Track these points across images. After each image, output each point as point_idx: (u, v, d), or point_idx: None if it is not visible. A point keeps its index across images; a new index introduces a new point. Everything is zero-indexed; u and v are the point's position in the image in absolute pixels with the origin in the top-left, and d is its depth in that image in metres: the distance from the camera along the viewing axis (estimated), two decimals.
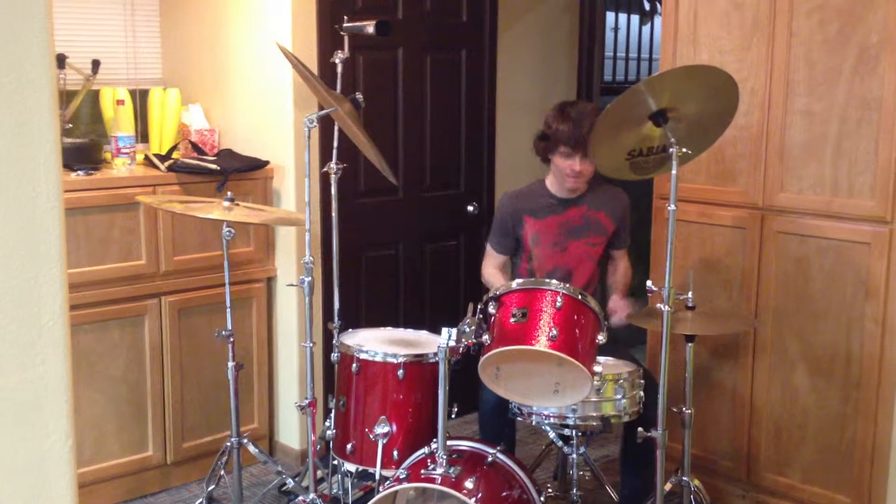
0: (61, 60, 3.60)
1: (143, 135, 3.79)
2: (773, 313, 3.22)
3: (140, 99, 3.83)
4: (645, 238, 3.57)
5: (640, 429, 2.72)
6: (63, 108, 3.56)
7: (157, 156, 3.58)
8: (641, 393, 2.85)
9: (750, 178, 3.24)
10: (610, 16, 5.92)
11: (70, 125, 3.63)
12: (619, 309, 3.15)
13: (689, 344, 2.88)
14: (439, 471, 2.56)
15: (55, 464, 1.29)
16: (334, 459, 3.04)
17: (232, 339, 3.15)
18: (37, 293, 1.26)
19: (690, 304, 2.88)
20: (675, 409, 2.83)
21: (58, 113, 1.29)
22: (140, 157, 3.61)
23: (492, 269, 3.33)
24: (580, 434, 2.83)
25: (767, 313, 3.23)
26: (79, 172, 3.30)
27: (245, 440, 3.23)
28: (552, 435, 2.99)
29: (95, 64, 3.73)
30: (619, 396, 2.78)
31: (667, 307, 2.59)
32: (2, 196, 1.22)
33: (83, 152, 3.40)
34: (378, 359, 2.89)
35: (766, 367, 3.26)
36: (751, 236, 3.25)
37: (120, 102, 3.61)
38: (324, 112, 2.93)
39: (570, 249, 3.24)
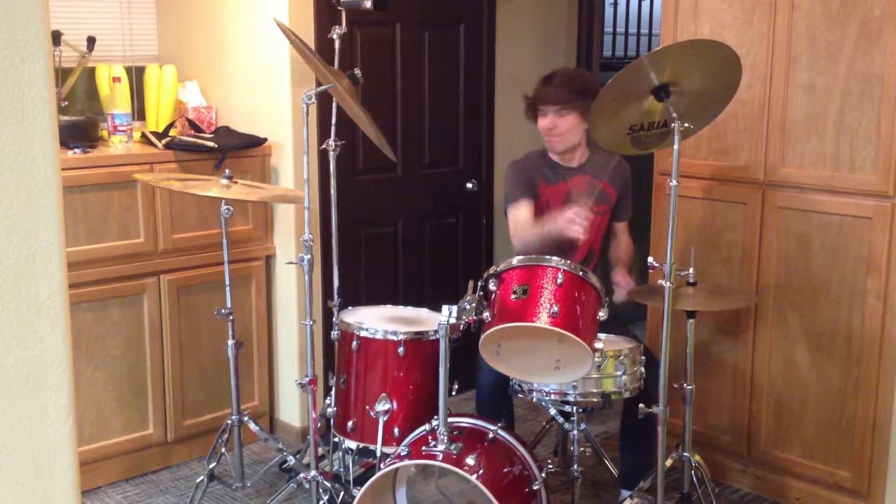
0: (56, 37, 3.56)
1: (139, 112, 3.76)
2: (774, 289, 3.21)
3: (136, 76, 3.80)
4: (646, 214, 3.56)
5: (641, 405, 2.72)
6: (59, 85, 3.53)
7: (154, 133, 3.55)
8: (642, 369, 2.85)
9: (751, 152, 3.22)
10: None
11: (66, 103, 3.60)
12: (623, 285, 3.14)
13: (690, 320, 2.87)
14: (440, 448, 2.56)
15: (56, 442, 1.28)
16: (335, 437, 3.04)
17: (231, 318, 3.14)
18: (35, 271, 1.25)
19: (691, 280, 2.87)
20: (675, 386, 2.83)
21: (54, 90, 1.27)
22: (137, 135, 3.59)
23: (526, 218, 3.13)
24: (581, 410, 2.82)
25: (768, 289, 3.22)
26: (75, 150, 3.28)
27: (246, 418, 3.23)
28: (553, 411, 2.99)
29: (91, 41, 3.70)
30: (619, 373, 2.78)
31: (668, 283, 2.58)
32: None
33: (79, 130, 3.37)
34: (378, 336, 2.89)
35: (766, 343, 3.25)
36: (752, 211, 3.23)
37: (116, 80, 3.58)
38: (322, 88, 2.91)
39: None
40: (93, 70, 3.70)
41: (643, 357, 2.86)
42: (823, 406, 3.15)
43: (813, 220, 3.09)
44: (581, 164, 3.22)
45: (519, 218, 3.14)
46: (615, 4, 6.11)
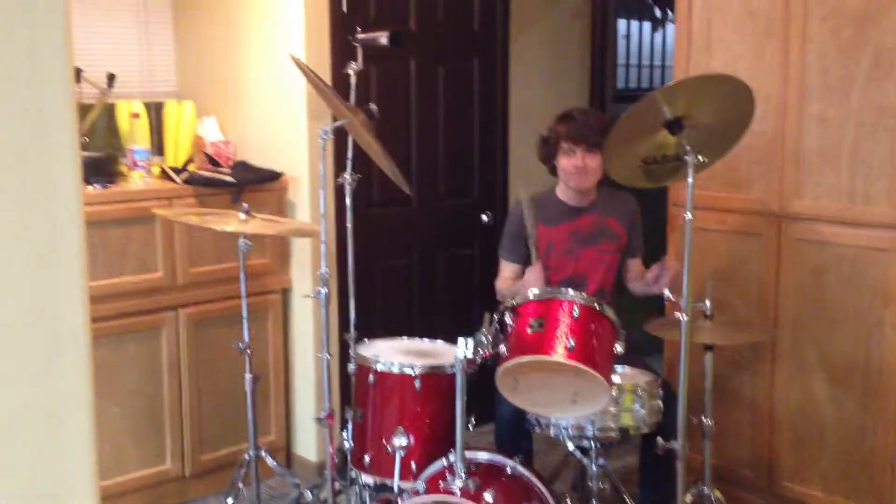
0: (77, 74, 3.61)
1: (158, 147, 3.81)
2: (791, 321, 3.20)
3: (155, 112, 3.85)
4: (661, 246, 3.56)
5: (659, 440, 2.70)
6: (79, 122, 3.58)
7: (172, 168, 3.59)
8: (660, 403, 2.83)
9: (766, 184, 3.22)
10: (622, 23, 5.92)
11: (86, 139, 3.65)
12: (668, 267, 3.04)
13: (708, 353, 2.86)
14: (458, 483, 2.55)
15: (78, 478, 1.29)
16: (352, 471, 3.03)
17: (249, 351, 3.15)
18: (57, 308, 1.26)
19: (708, 313, 2.86)
20: (694, 420, 2.81)
21: (77, 127, 1.29)
22: (156, 170, 3.63)
23: (507, 279, 3.32)
24: (599, 445, 2.81)
25: (786, 321, 3.21)
26: (95, 186, 3.32)
27: (263, 452, 3.23)
28: (571, 446, 2.97)
29: (111, 78, 3.75)
30: (637, 407, 2.76)
31: (685, 316, 2.57)
32: (22, 210, 1.23)
33: (99, 166, 3.42)
34: (395, 370, 2.89)
35: (785, 376, 3.23)
36: (767, 244, 3.23)
37: (135, 116, 3.62)
38: (338, 123, 2.93)
39: (583, 257, 3.23)
40: (113, 106, 3.75)
41: (661, 391, 2.85)
42: (843, 439, 3.12)
43: (829, 252, 3.09)
44: (589, 203, 3.24)
45: (502, 274, 3.35)
46: (628, 37, 6.15)
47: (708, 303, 2.84)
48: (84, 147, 3.61)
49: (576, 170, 3.15)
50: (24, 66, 1.21)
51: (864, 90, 2.95)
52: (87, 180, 3.32)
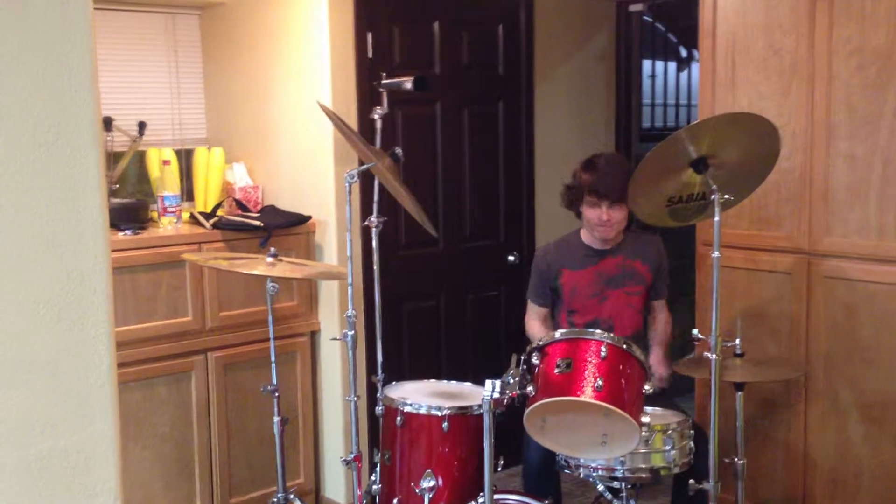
0: (108, 123, 3.69)
1: (188, 193, 3.86)
2: (823, 360, 3.16)
3: (185, 158, 3.91)
4: (689, 286, 3.54)
5: (691, 481, 2.66)
6: (111, 169, 3.65)
7: (202, 213, 3.63)
8: (691, 444, 2.80)
9: (794, 222, 3.20)
10: (646, 63, 5.94)
11: (117, 185, 3.71)
12: (658, 370, 3.13)
13: (739, 392, 2.82)
14: None
15: None
16: None
17: (277, 394, 3.16)
18: (85, 355, 1.28)
19: (739, 352, 2.83)
20: (726, 460, 2.77)
21: (104, 175, 1.32)
22: (185, 216, 3.68)
23: (534, 321, 3.32)
24: (630, 486, 2.77)
25: (818, 360, 3.16)
26: (126, 232, 3.37)
27: (291, 495, 3.22)
28: (601, 487, 2.93)
29: (142, 126, 3.83)
30: (668, 447, 2.73)
31: (714, 355, 2.55)
32: (51, 258, 1.25)
33: (130, 212, 3.47)
34: (422, 412, 2.88)
35: (818, 416, 3.18)
36: (798, 282, 3.20)
37: (166, 163, 3.68)
38: (364, 167, 2.96)
39: (610, 299, 3.22)
40: (143, 153, 3.82)
41: (692, 431, 2.81)
42: (878, 480, 3.06)
43: (860, 290, 3.05)
44: (614, 245, 3.24)
45: (528, 317, 3.39)
46: (653, 76, 6.17)
47: (738, 341, 2.81)
48: (115, 193, 3.68)
49: (600, 222, 3.16)
50: (52, 116, 1.24)
51: (891, 126, 2.94)
52: (119, 226, 3.37)
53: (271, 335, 3.14)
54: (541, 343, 2.69)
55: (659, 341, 3.27)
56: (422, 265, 4.00)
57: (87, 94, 1.27)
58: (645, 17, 5.22)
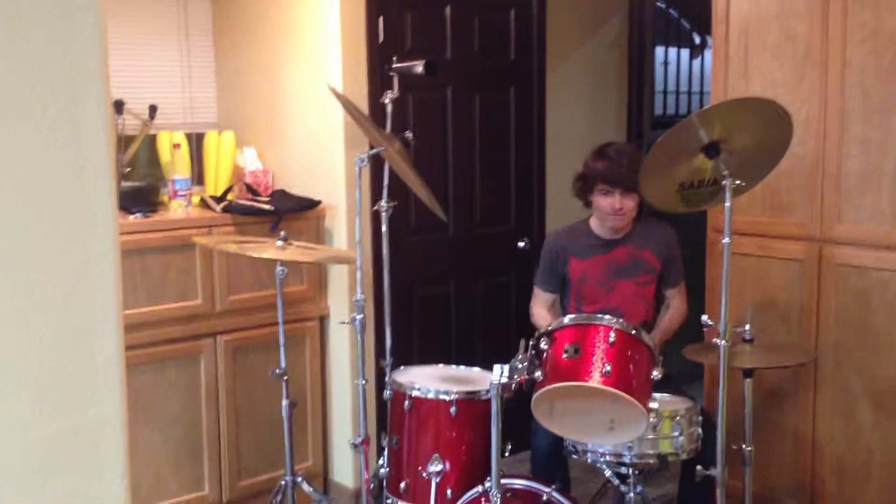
0: (119, 106, 3.70)
1: (199, 177, 3.87)
2: (833, 347, 3.14)
3: (196, 142, 3.91)
4: (700, 273, 3.52)
5: (698, 467, 2.66)
6: (121, 152, 3.65)
7: (212, 197, 3.64)
8: (699, 430, 2.80)
9: (806, 209, 3.18)
10: (659, 50, 5.91)
11: (128, 169, 3.72)
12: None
13: (748, 379, 2.82)
14: None
15: (112, 503, 1.30)
16: (388, 498, 3.02)
17: (286, 378, 3.17)
18: (93, 335, 1.28)
19: (748, 337, 2.82)
20: (734, 447, 2.77)
21: (114, 159, 1.32)
22: (196, 199, 3.68)
23: (540, 308, 3.32)
24: (637, 472, 2.77)
25: (828, 347, 3.15)
26: (137, 214, 3.37)
27: (299, 478, 3.23)
28: (608, 473, 2.94)
29: (152, 109, 3.83)
30: (676, 433, 2.73)
31: (723, 342, 2.54)
32: (59, 240, 1.25)
33: (141, 195, 3.48)
34: (430, 396, 2.89)
35: (827, 403, 3.18)
36: (809, 269, 3.19)
37: (176, 146, 3.69)
38: (374, 151, 2.96)
39: (618, 289, 3.21)
40: (154, 137, 3.82)
41: (700, 417, 2.81)
42: (888, 468, 3.05)
43: (871, 277, 3.04)
44: (624, 235, 3.23)
45: (534, 303, 3.38)
46: (666, 63, 6.14)
47: (748, 327, 2.80)
48: (126, 177, 3.68)
49: (613, 210, 3.14)
50: (60, 98, 1.24)
51: None
52: (129, 209, 3.37)
53: (280, 319, 3.15)
54: (549, 328, 2.69)
55: (662, 328, 3.26)
56: (431, 250, 4.00)
57: (97, 77, 1.27)
58: (658, 4, 5.19)
